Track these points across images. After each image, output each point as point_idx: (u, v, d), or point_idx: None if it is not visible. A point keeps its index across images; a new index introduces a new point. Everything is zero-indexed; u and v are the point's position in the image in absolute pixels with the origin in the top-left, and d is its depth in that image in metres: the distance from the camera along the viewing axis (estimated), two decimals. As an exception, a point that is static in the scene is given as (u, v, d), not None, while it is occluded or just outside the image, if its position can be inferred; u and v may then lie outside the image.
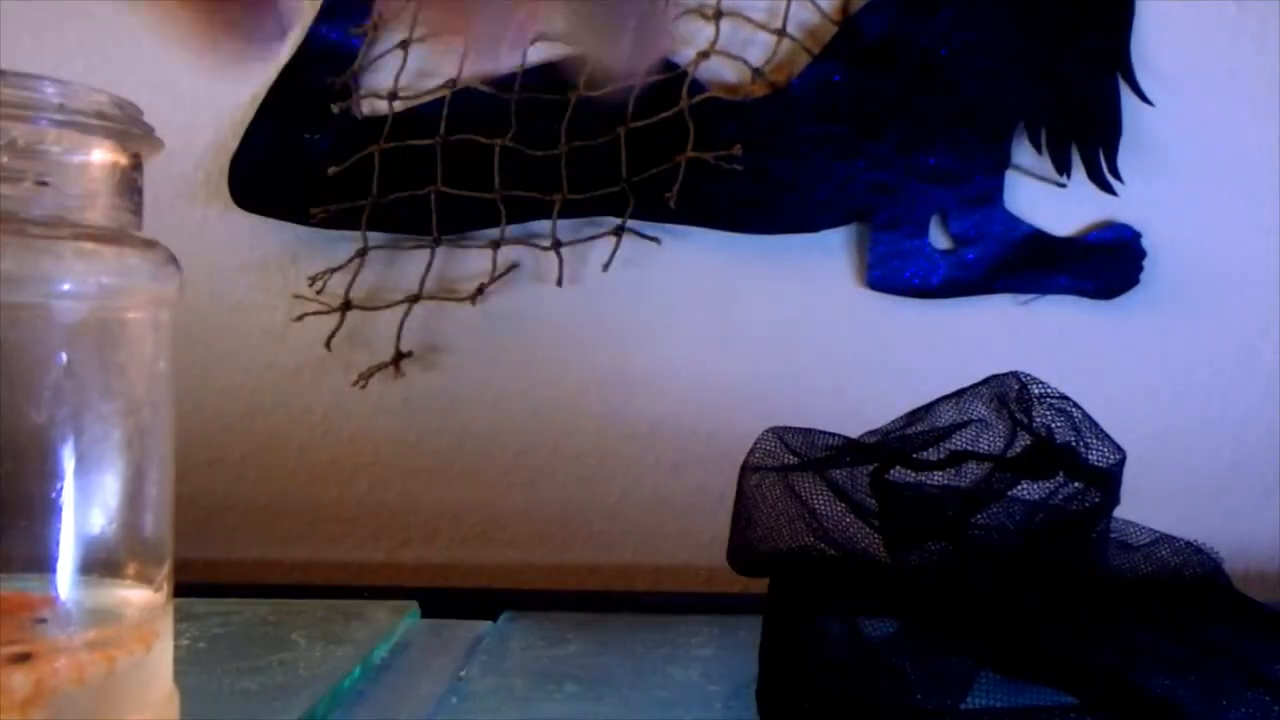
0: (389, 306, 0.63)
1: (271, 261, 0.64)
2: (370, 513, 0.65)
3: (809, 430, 0.45)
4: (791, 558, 0.42)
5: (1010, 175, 0.63)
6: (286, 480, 0.65)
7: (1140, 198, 0.63)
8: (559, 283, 0.63)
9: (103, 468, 0.33)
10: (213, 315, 0.64)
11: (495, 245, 0.63)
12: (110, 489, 0.33)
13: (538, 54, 0.62)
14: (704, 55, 0.62)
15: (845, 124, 0.62)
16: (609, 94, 0.61)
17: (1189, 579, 0.44)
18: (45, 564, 0.32)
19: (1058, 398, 0.42)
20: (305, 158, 0.62)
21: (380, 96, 0.62)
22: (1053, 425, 0.41)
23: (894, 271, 0.63)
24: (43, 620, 0.32)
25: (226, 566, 0.64)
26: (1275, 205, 0.64)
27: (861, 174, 0.62)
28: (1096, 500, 0.40)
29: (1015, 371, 0.43)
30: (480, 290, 0.63)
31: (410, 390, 0.64)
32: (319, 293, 0.63)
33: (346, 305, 0.63)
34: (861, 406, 0.64)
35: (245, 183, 0.63)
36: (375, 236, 0.63)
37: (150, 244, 0.35)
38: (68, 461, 0.32)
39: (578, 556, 0.65)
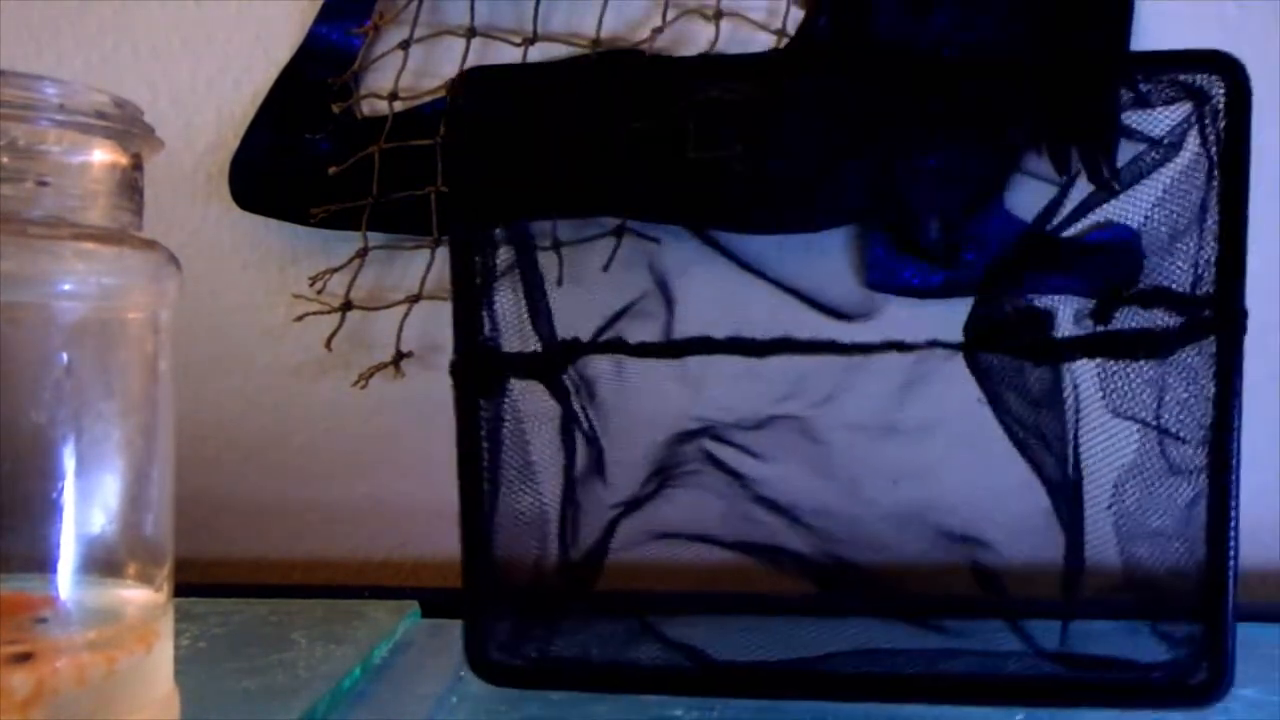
0: (389, 306, 0.63)
1: (271, 261, 0.64)
2: (370, 513, 0.65)
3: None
4: None
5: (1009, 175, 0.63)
6: (286, 480, 0.65)
7: (1141, 198, 0.63)
8: (559, 282, 0.62)
9: (103, 468, 0.33)
10: (213, 315, 0.64)
11: (494, 245, 0.63)
12: (110, 489, 0.33)
13: (537, 54, 0.62)
14: (704, 55, 0.62)
15: (845, 124, 0.62)
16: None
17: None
18: (45, 564, 0.32)
19: None
20: (305, 158, 0.62)
21: (380, 96, 0.62)
22: None
23: (894, 271, 0.63)
24: (43, 620, 0.32)
25: (226, 566, 0.64)
26: (1275, 205, 0.64)
27: (861, 174, 0.62)
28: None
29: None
30: (480, 290, 0.63)
31: (410, 390, 0.64)
32: (319, 293, 0.63)
33: (346, 305, 0.63)
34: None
35: (245, 183, 0.63)
36: (375, 236, 0.62)
37: (150, 244, 0.35)
38: (68, 461, 0.32)
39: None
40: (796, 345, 0.49)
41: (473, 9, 0.62)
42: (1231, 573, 0.44)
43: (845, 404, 0.50)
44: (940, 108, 0.61)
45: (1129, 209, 0.50)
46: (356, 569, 0.65)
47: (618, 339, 0.48)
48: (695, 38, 0.63)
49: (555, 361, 0.47)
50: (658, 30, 0.62)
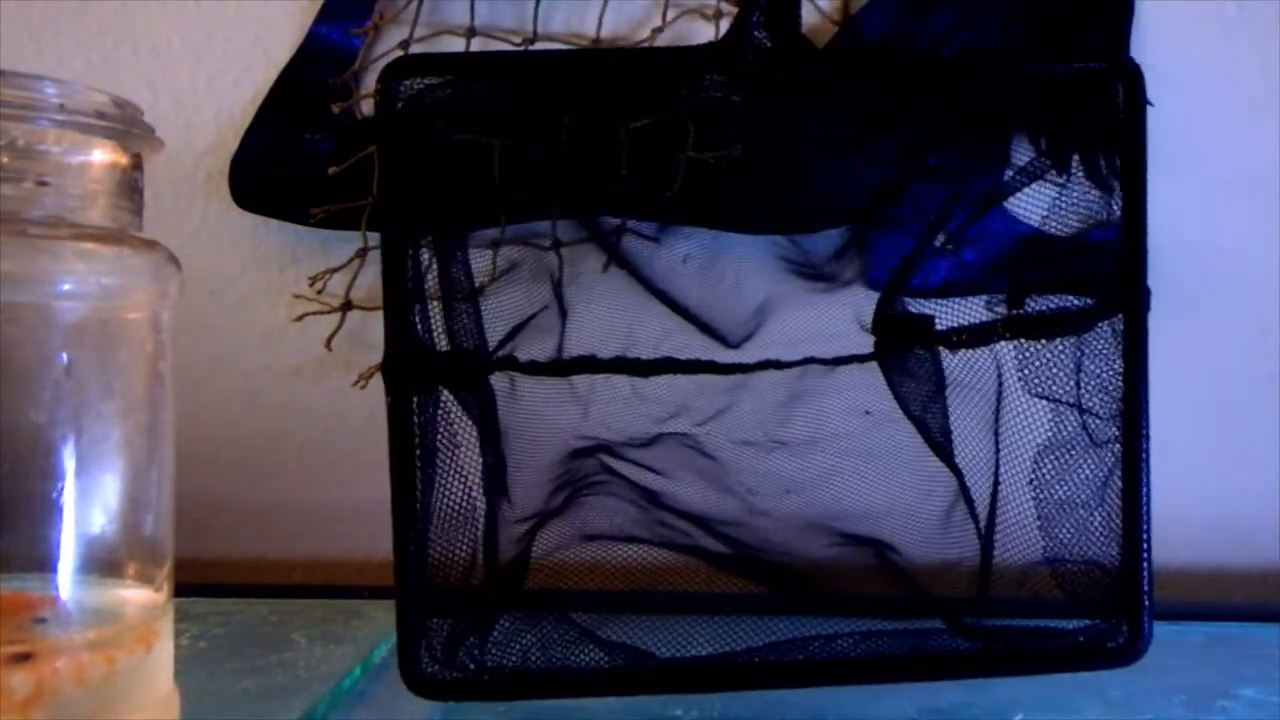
0: (389, 306, 0.63)
1: (272, 261, 0.64)
2: (370, 513, 0.65)
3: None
4: None
5: (1010, 175, 0.63)
6: (286, 480, 0.65)
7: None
8: (559, 283, 0.62)
9: (103, 468, 0.33)
10: (213, 315, 0.64)
11: (495, 245, 0.62)
12: (110, 489, 0.33)
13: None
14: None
15: (845, 123, 0.62)
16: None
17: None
18: (45, 564, 0.32)
19: None
20: (305, 158, 0.62)
21: (380, 96, 0.62)
22: None
23: (893, 271, 0.63)
24: (43, 620, 0.32)
25: (226, 566, 0.64)
26: (1275, 205, 0.64)
27: (861, 174, 0.62)
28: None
29: None
30: (480, 290, 0.63)
31: (410, 390, 0.64)
32: (319, 293, 0.63)
33: (346, 305, 0.63)
34: (861, 406, 0.64)
35: (245, 183, 0.63)
36: (375, 236, 0.62)
37: (150, 244, 0.35)
38: (68, 461, 0.32)
39: (577, 556, 0.65)
40: (679, 365, 0.50)
41: (473, 9, 0.62)
42: (1145, 536, 0.46)
43: (732, 420, 0.51)
44: (940, 108, 0.61)
45: (1036, 202, 0.54)
46: (356, 569, 0.65)
47: (509, 356, 0.49)
48: (695, 37, 0.63)
49: (460, 372, 0.47)
50: (658, 30, 0.62)
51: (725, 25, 0.62)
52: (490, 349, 0.49)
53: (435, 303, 0.48)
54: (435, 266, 0.47)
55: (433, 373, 0.46)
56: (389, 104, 0.45)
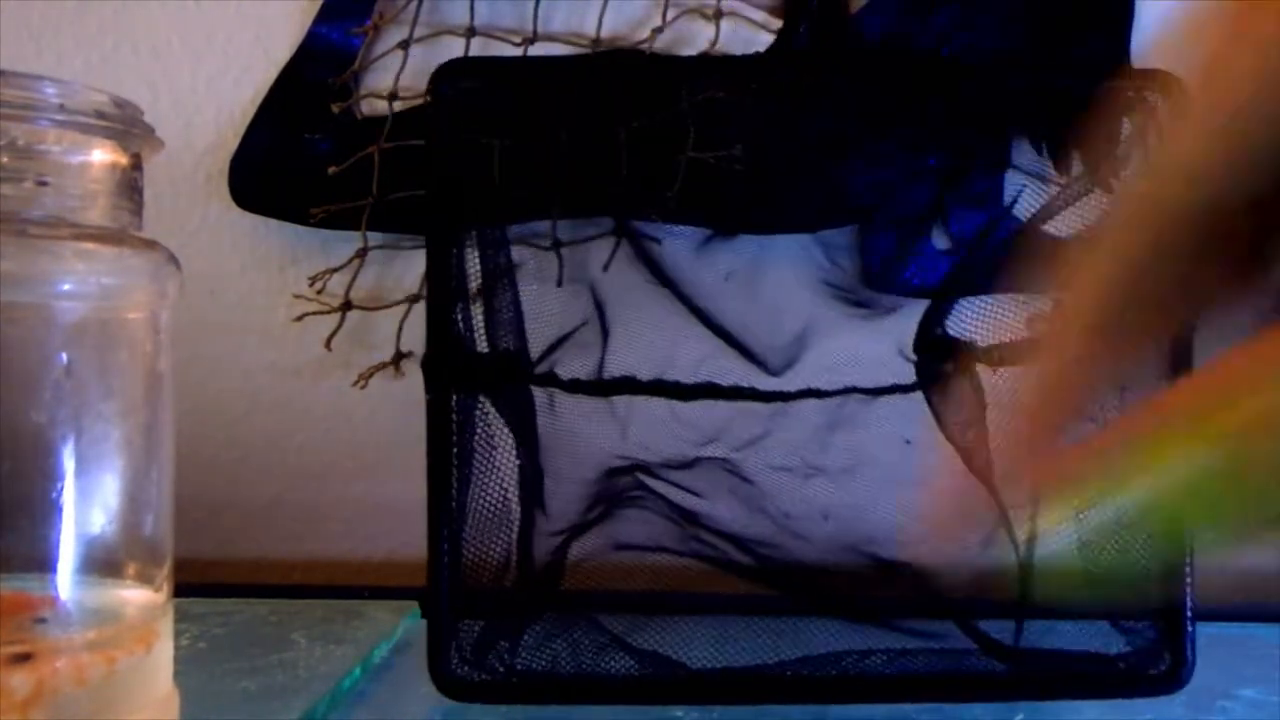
0: (389, 306, 0.63)
1: (272, 261, 0.64)
2: (370, 513, 0.65)
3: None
4: None
5: (1010, 175, 0.63)
6: (286, 480, 0.65)
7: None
8: (559, 283, 0.62)
9: (103, 468, 0.33)
10: (213, 315, 0.64)
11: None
12: (110, 489, 0.33)
13: (537, 54, 0.62)
14: (697, 55, 0.62)
15: (845, 123, 0.62)
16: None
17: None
18: (45, 564, 0.32)
19: None
20: (305, 158, 0.62)
21: (380, 96, 0.62)
22: None
23: (894, 272, 0.63)
24: (43, 620, 0.32)
25: (226, 566, 0.64)
26: (1275, 205, 0.64)
27: (861, 174, 0.62)
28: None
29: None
30: (481, 290, 0.63)
31: (410, 390, 0.64)
32: (319, 293, 0.63)
33: (346, 305, 0.63)
34: (861, 406, 0.64)
35: (245, 183, 0.63)
36: (375, 236, 0.63)
37: (150, 244, 0.35)
38: (68, 461, 0.32)
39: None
40: (720, 391, 0.50)
41: (473, 9, 0.62)
42: (1189, 562, 0.45)
43: (770, 447, 0.51)
44: (940, 108, 0.61)
45: (1077, 218, 0.52)
46: (356, 569, 0.65)
47: (550, 372, 0.48)
48: (695, 37, 0.63)
49: (500, 375, 0.47)
50: (658, 30, 0.62)
51: (725, 25, 0.62)
52: (530, 354, 0.48)
53: (475, 303, 0.48)
54: (479, 266, 0.47)
55: (472, 373, 0.46)
56: (441, 103, 0.45)
